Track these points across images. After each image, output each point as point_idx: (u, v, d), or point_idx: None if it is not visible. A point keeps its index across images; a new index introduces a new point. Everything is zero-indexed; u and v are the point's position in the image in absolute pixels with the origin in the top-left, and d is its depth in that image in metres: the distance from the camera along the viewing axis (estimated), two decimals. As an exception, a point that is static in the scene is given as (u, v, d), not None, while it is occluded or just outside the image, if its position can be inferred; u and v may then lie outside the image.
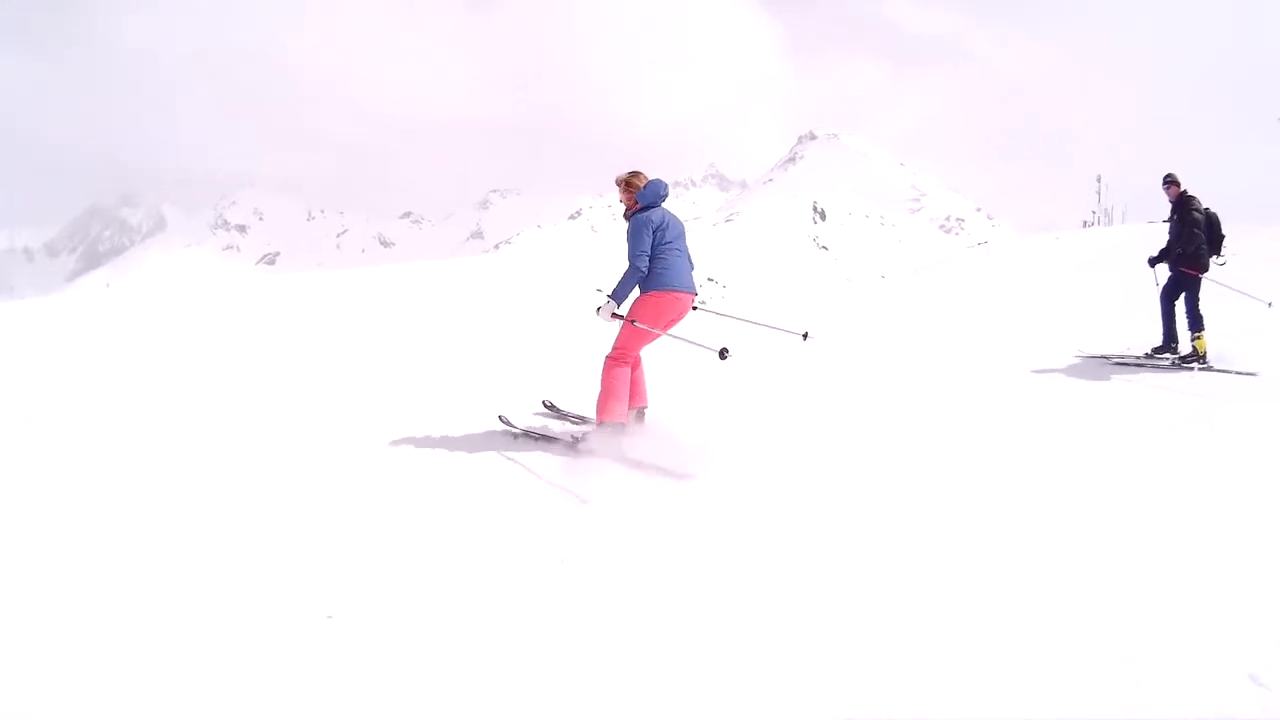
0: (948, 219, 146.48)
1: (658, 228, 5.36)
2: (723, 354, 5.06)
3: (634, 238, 5.37)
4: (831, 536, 3.99)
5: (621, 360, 5.48)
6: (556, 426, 6.08)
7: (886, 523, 4.20)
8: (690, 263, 5.55)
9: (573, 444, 5.54)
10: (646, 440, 5.48)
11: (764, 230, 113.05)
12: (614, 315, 5.39)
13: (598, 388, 5.50)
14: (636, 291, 5.52)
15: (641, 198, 5.46)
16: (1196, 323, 8.59)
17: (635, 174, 5.55)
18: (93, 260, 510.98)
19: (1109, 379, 7.90)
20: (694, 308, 5.64)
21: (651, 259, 5.36)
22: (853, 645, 2.99)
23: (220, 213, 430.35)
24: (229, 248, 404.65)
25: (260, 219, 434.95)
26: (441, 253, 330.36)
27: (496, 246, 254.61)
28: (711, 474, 4.91)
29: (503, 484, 4.88)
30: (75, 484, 4.88)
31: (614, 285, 5.42)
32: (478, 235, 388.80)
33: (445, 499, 4.63)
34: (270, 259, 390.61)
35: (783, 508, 4.43)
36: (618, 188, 5.59)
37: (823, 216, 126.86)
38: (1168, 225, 8.97)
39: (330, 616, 3.23)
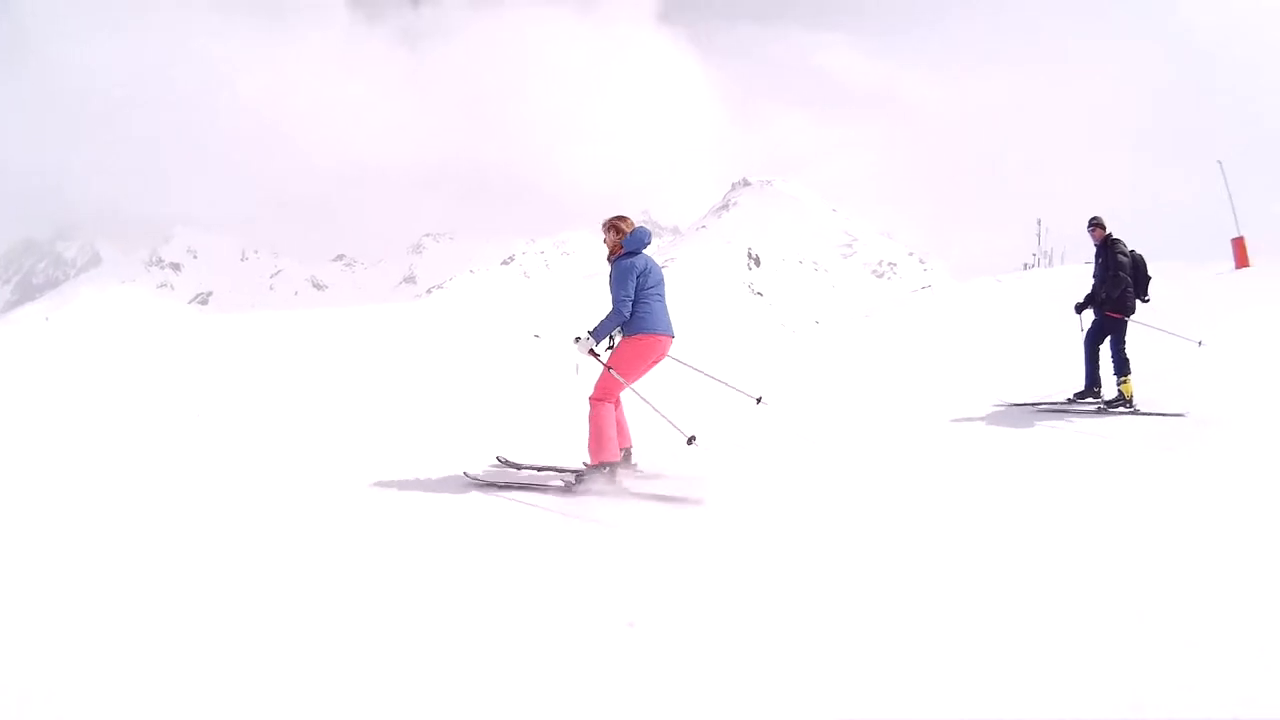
0: (880, 263, 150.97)
1: (641, 273, 5.50)
2: (758, 400, 5.87)
3: (619, 282, 5.52)
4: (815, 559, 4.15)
5: (605, 399, 5.57)
6: (537, 473, 6.07)
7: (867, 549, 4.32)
8: (667, 308, 5.73)
9: (567, 488, 5.57)
10: (639, 477, 5.69)
11: (699, 275, 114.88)
12: (590, 353, 5.54)
13: (586, 431, 5.60)
14: (618, 334, 5.66)
15: (627, 243, 5.59)
16: (1122, 366, 8.55)
17: (622, 218, 5.74)
18: (27, 293, 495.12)
19: (1032, 425, 7.82)
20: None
21: (635, 303, 5.49)
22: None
23: (155, 250, 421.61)
24: (163, 285, 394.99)
25: (194, 257, 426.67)
26: (374, 296, 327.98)
27: (429, 291, 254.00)
28: (712, 501, 5.06)
29: (504, 522, 4.89)
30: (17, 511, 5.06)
31: (595, 324, 5.55)
32: (410, 279, 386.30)
33: (459, 543, 4.57)
34: (203, 298, 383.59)
35: (778, 528, 4.65)
36: (603, 230, 5.74)
37: (757, 262, 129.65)
38: (1092, 269, 8.94)
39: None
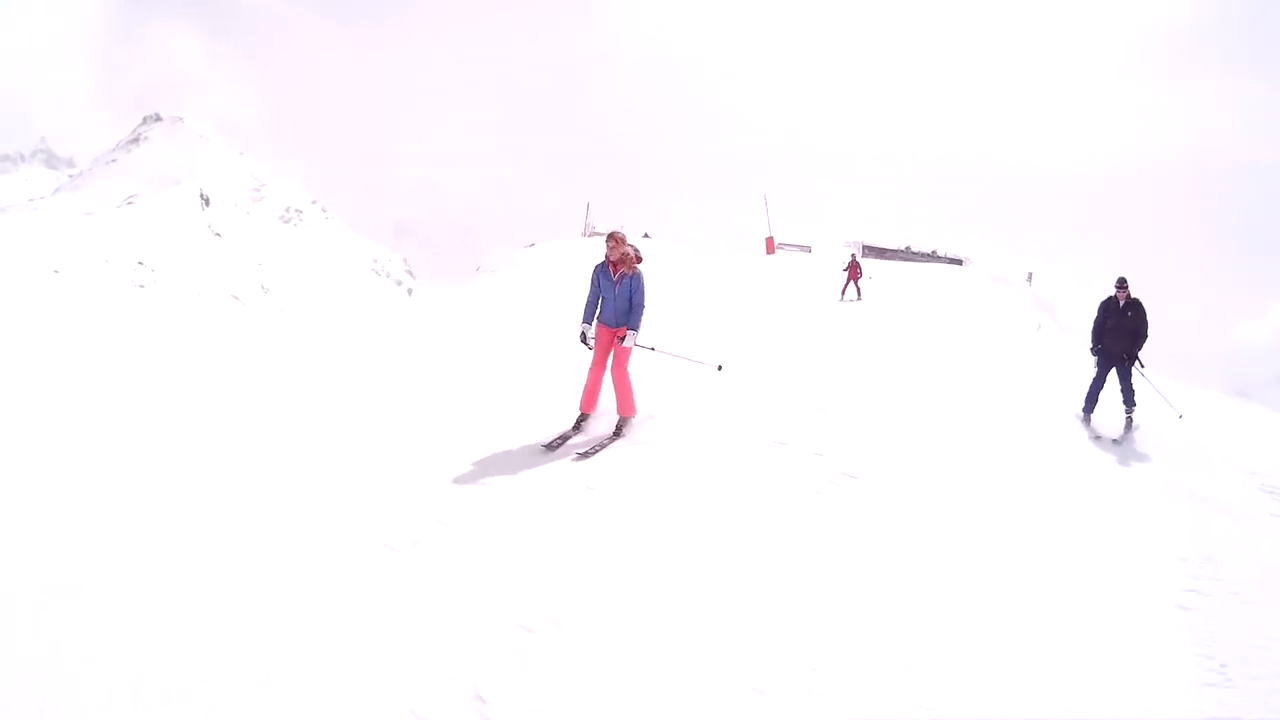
0: (287, 210, 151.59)
1: None
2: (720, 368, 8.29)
3: (644, 289, 7.48)
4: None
5: (626, 368, 7.63)
6: (579, 439, 7.64)
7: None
8: None
9: (617, 435, 7.58)
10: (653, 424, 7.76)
11: (159, 220, 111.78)
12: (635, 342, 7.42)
13: (619, 395, 7.62)
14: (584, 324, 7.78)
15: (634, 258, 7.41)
16: (1131, 398, 9.97)
17: (619, 234, 7.48)
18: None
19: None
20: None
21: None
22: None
23: None
24: None
25: None
26: None
27: None
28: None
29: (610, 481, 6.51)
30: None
31: (636, 322, 7.47)
32: None
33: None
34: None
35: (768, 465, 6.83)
36: (615, 242, 7.45)
37: (207, 203, 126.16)
38: (1100, 317, 10.27)
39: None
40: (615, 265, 7.51)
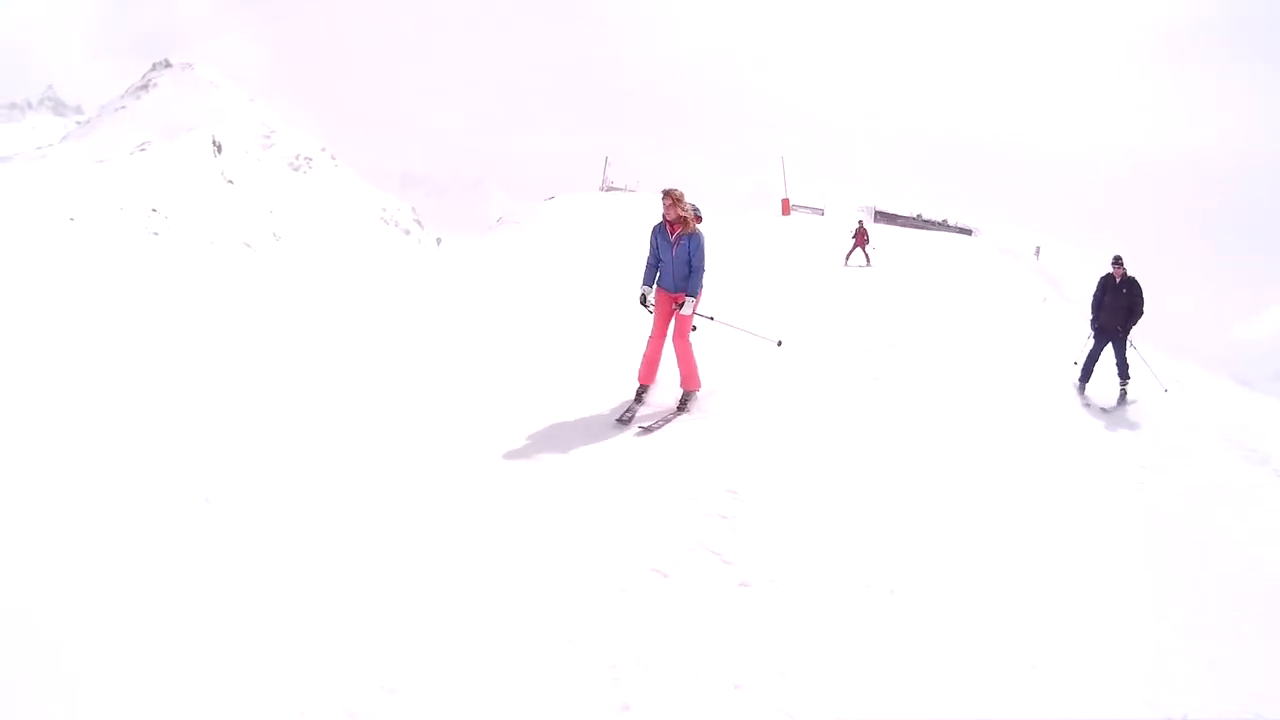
0: (297, 157, 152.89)
1: None
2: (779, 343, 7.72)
3: (703, 252, 6.99)
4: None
5: (689, 338, 7.18)
6: (646, 413, 7.21)
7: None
8: None
9: (679, 412, 7.22)
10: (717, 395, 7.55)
11: (171, 167, 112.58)
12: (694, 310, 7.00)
13: (681, 367, 7.20)
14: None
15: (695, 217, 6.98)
16: (1125, 371, 10.46)
17: (678, 192, 6.91)
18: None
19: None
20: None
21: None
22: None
23: None
24: None
25: None
26: None
27: None
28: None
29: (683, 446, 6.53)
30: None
31: (694, 289, 6.99)
32: None
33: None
34: None
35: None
36: (673, 200, 6.90)
37: (219, 150, 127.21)
38: (1097, 293, 10.81)
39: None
40: (673, 226, 6.98)
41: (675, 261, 7.04)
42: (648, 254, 7.27)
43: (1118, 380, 10.52)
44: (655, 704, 3.60)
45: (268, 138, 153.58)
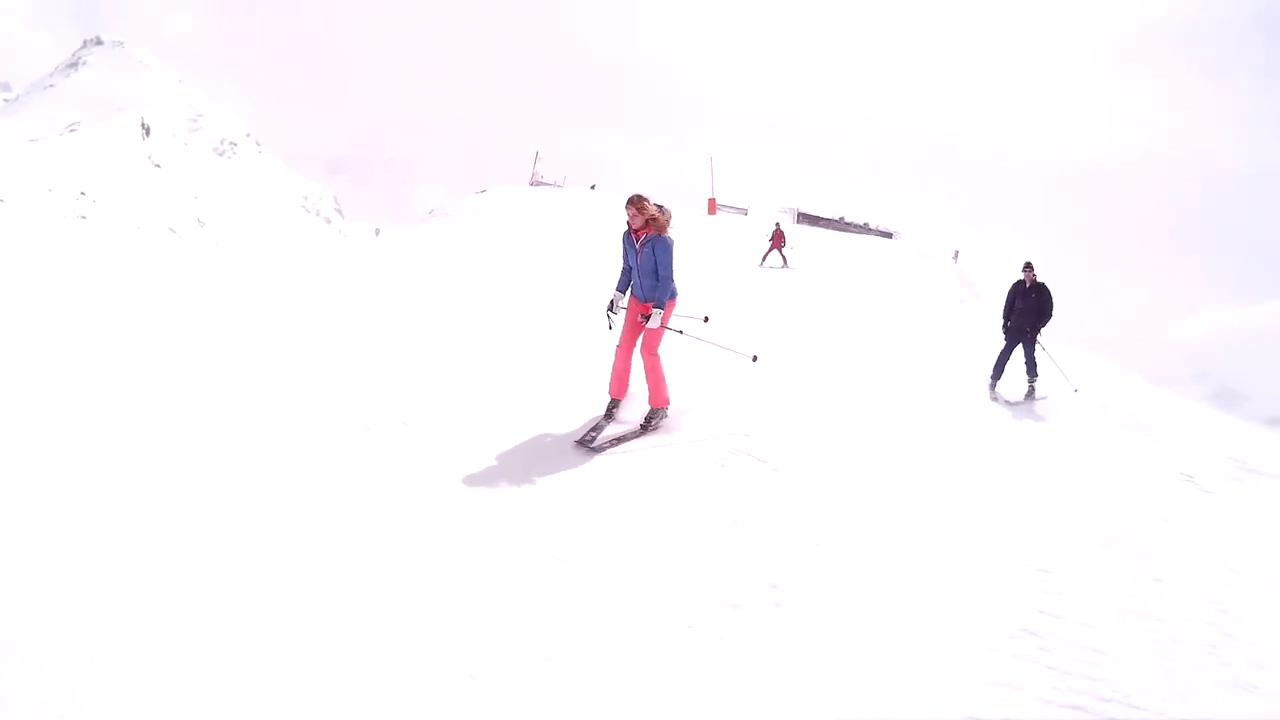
0: (222, 142, 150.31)
1: None
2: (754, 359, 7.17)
3: (671, 259, 6.51)
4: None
5: (657, 352, 6.69)
6: (611, 429, 6.73)
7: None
8: None
9: (644, 430, 6.74)
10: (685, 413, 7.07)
11: (99, 149, 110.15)
12: (661, 320, 6.57)
13: (648, 382, 6.71)
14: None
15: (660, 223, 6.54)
16: (1033, 369, 11.05)
17: (644, 197, 6.54)
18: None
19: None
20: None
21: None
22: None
23: None
24: None
25: None
26: None
27: None
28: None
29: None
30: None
31: (660, 298, 6.50)
32: None
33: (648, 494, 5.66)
34: None
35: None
36: (637, 209, 6.50)
37: (148, 133, 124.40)
38: (1010, 297, 11.38)
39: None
40: (638, 232, 6.62)
41: (642, 269, 6.68)
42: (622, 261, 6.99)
43: (1026, 378, 11.11)
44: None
45: (194, 121, 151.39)
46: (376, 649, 3.66)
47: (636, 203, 6.49)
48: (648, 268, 6.58)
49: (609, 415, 6.91)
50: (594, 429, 6.70)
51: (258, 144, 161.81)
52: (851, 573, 5.00)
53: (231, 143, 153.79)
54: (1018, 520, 6.28)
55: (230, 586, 3.96)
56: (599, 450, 6.39)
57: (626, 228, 6.73)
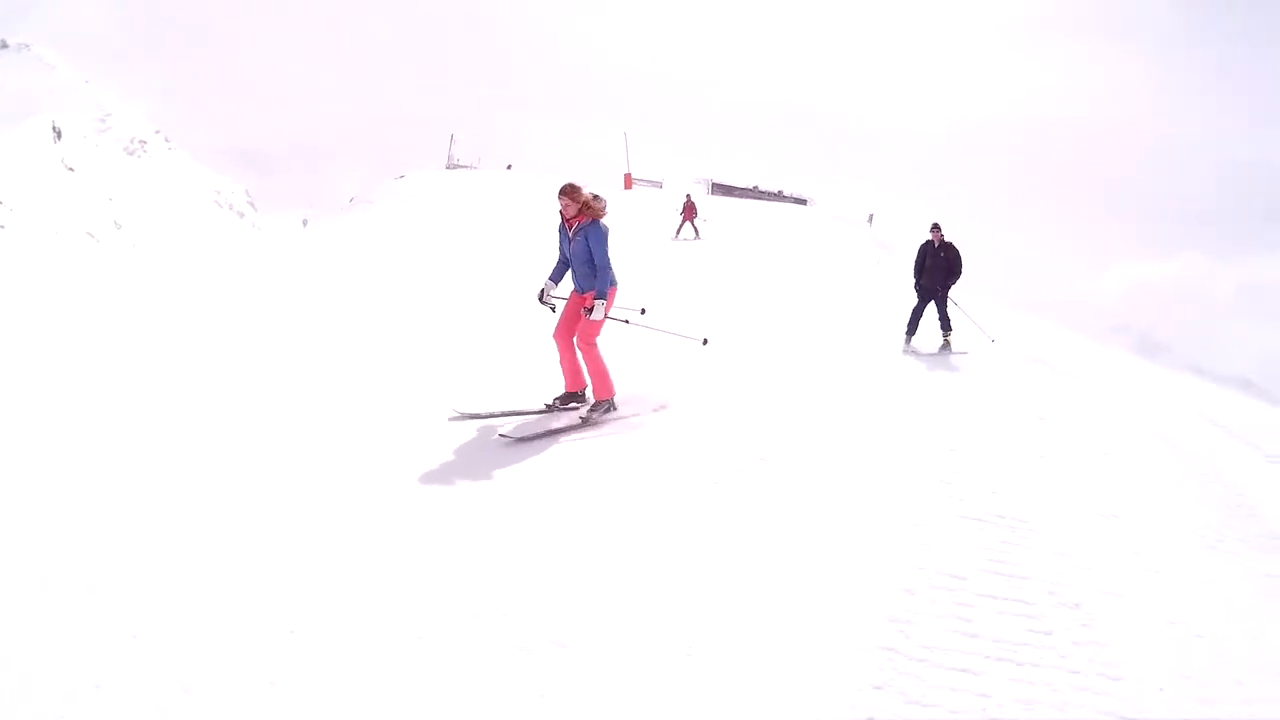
0: (132, 141, 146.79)
1: None
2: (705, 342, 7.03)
3: (606, 246, 6.33)
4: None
5: (595, 344, 6.43)
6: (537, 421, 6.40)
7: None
8: None
9: (585, 423, 6.40)
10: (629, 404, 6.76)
11: (6, 152, 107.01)
12: (604, 311, 6.34)
13: (590, 374, 6.49)
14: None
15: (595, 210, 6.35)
16: (947, 324, 11.41)
17: (577, 187, 6.33)
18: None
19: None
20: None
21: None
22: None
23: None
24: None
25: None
26: None
27: None
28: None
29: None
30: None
31: (599, 287, 6.26)
32: None
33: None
34: None
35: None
36: (570, 198, 6.29)
37: (59, 136, 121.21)
38: (920, 254, 11.75)
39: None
40: (570, 221, 6.40)
41: (576, 258, 6.47)
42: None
43: (940, 332, 11.50)
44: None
45: (103, 121, 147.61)
46: (366, 653, 3.49)
47: (569, 192, 6.32)
48: (582, 256, 6.41)
49: (556, 406, 6.75)
50: (535, 421, 6.49)
51: (166, 140, 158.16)
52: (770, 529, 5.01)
53: (141, 141, 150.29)
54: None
55: (185, 586, 3.89)
56: (513, 439, 6.13)
57: (560, 218, 6.54)
